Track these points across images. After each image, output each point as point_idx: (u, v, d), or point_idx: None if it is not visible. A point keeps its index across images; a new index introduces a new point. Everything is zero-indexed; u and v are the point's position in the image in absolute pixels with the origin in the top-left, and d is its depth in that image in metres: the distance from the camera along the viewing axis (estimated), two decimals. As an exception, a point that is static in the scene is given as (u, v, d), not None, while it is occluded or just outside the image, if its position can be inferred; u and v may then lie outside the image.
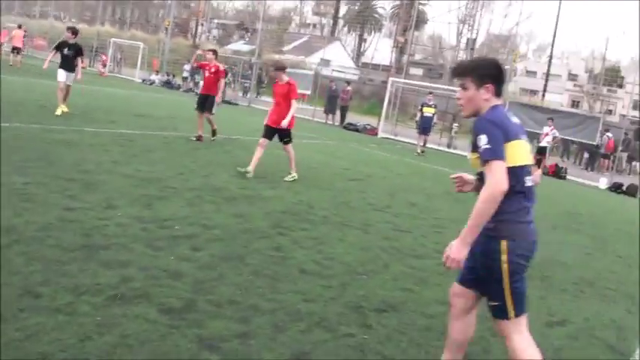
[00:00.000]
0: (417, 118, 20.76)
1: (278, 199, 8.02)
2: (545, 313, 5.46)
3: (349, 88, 27.30)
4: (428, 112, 20.18)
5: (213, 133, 12.73)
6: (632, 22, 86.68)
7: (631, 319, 5.75)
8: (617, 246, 9.54)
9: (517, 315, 3.14)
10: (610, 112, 52.43)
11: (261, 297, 4.45)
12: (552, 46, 51.32)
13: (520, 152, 3.05)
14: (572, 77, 66.37)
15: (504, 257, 3.04)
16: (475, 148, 3.05)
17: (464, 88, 3.20)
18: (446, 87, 28.71)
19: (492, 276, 3.09)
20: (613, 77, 58.06)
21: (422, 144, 20.10)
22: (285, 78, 9.52)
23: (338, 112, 27.17)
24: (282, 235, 6.27)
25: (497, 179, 2.90)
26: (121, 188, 7.02)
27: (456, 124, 24.91)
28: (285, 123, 9.28)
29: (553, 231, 9.68)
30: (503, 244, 3.04)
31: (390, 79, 25.95)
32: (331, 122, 26.99)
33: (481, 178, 3.16)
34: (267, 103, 29.80)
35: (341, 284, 5.05)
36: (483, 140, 2.96)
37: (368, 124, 24.93)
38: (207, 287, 4.45)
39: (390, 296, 5.00)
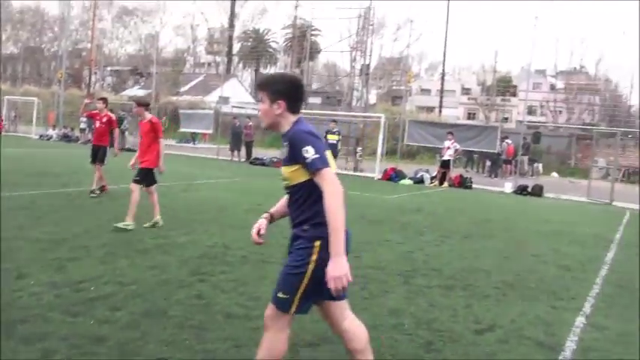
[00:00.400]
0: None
1: (193, 245, 7.80)
2: (473, 321, 5.54)
3: (251, 123, 27.30)
4: (332, 139, 20.62)
5: (101, 189, 11.99)
6: (522, 34, 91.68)
7: (555, 314, 5.93)
8: (531, 246, 9.89)
9: (295, 312, 3.25)
10: (506, 119, 55.02)
11: (190, 349, 4.26)
12: (444, 63, 53.73)
13: (331, 160, 3.20)
14: (466, 91, 69.37)
15: (314, 257, 3.16)
16: (293, 160, 3.13)
17: (261, 101, 3.28)
18: (345, 113, 29.31)
19: (295, 271, 3.19)
20: (505, 87, 61.16)
21: None
22: (148, 115, 9.04)
23: (243, 149, 27.06)
24: (202, 282, 6.07)
25: (335, 184, 3.06)
26: (30, 254, 6.62)
27: (360, 148, 25.33)
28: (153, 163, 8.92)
29: (467, 240, 9.93)
30: (317, 244, 3.16)
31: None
32: (237, 159, 26.83)
33: (291, 193, 3.28)
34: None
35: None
36: (311, 151, 3.05)
37: (275, 157, 24.95)
38: (132, 348, 4.21)
39: (320, 328, 4.90)
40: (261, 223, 3.55)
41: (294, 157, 3.11)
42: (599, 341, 5.23)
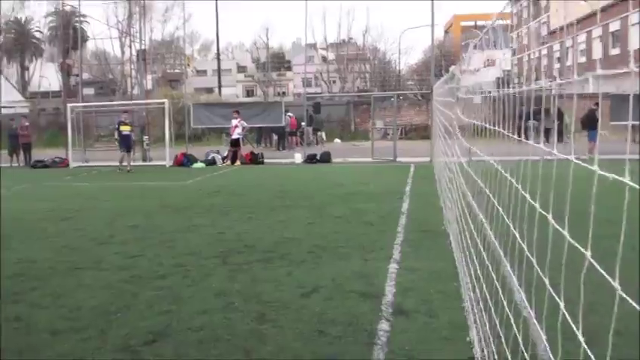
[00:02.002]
0: (117, 137, 20.29)
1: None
2: (297, 286, 5.80)
3: (27, 123, 25.02)
4: (125, 129, 19.80)
5: None
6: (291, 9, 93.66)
7: (370, 266, 6.41)
8: (332, 209, 10.47)
9: None
10: (284, 94, 56.75)
11: (15, 374, 3.96)
12: (217, 43, 53.57)
13: None
14: (242, 69, 70.10)
15: None
16: None
17: None
18: (126, 102, 28.20)
19: None
20: (280, 62, 62.87)
21: (127, 162, 19.72)
22: None
23: (22, 152, 24.78)
24: (17, 303, 5.56)
25: None
26: None
27: (146, 137, 24.60)
28: None
29: (272, 213, 10.23)
30: None
31: (69, 105, 24.50)
32: (17, 164, 24.54)
33: None
34: None
35: (100, 331, 4.70)
36: None
37: (57, 157, 23.28)
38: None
39: (153, 324, 4.83)
40: None
41: None
42: (414, 281, 5.78)
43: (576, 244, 1.63)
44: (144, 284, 6.02)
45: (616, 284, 1.37)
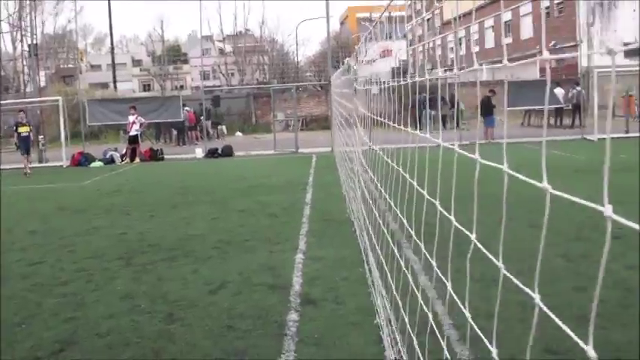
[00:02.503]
0: (16, 140, 19.04)
1: None
2: (204, 283, 5.81)
3: None
4: (24, 131, 18.54)
5: None
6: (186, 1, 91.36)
7: (276, 258, 6.50)
8: (234, 203, 10.47)
9: None
10: (182, 87, 55.66)
11: None
12: (111, 36, 51.77)
13: None
14: (137, 63, 68.11)
15: None
16: None
17: None
18: (15, 101, 26.78)
19: None
20: (176, 55, 61.52)
21: (25, 164, 18.51)
22: None
23: None
24: None
25: None
26: None
27: (42, 136, 23.49)
28: None
29: (174, 210, 10.11)
30: None
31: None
32: None
33: None
34: None
35: (8, 344, 4.52)
36: None
37: None
38: None
39: (59, 332, 4.71)
40: None
41: None
42: (320, 270, 5.93)
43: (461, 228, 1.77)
44: (47, 292, 5.84)
45: (500, 263, 1.51)
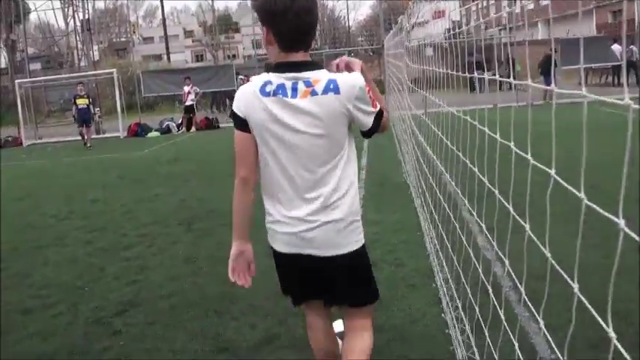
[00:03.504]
0: (74, 113, 19.39)
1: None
2: (262, 247, 5.84)
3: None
4: (82, 103, 18.92)
5: None
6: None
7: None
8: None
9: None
10: (234, 56, 55.91)
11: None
12: (162, 8, 52.26)
13: None
14: (189, 34, 68.72)
15: None
16: None
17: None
18: (70, 75, 27.46)
19: None
20: (227, 25, 61.73)
21: (87, 137, 18.86)
22: None
23: None
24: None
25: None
26: None
27: (97, 109, 24.02)
28: None
29: (231, 177, 10.17)
30: None
31: (17, 81, 23.77)
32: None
33: None
34: None
35: (71, 305, 4.69)
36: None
37: (9, 137, 22.59)
38: None
39: (122, 294, 4.84)
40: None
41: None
42: (378, 233, 5.90)
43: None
44: (110, 257, 6.01)
45: (621, 222, 1.45)
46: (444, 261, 4.09)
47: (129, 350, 3.80)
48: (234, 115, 2.44)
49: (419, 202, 6.35)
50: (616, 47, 23.41)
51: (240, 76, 27.41)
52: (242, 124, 2.43)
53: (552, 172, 1.54)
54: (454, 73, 3.36)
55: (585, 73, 26.43)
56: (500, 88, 22.36)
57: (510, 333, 2.14)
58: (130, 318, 4.34)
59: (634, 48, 23.17)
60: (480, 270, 2.62)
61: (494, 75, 2.19)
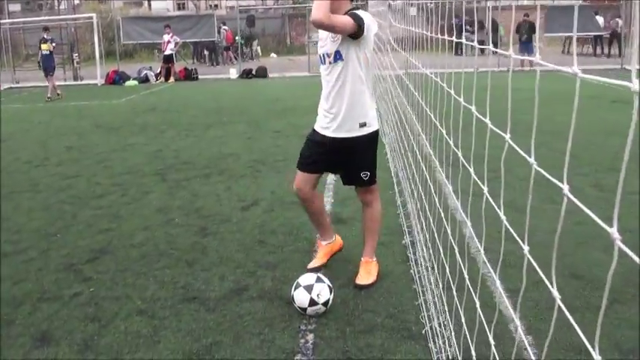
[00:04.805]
0: (39, 58, 18.56)
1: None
2: (237, 200, 5.89)
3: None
4: (44, 49, 18.21)
5: None
6: None
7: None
8: (269, 123, 10.48)
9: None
10: (216, 6, 54.79)
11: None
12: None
13: None
14: (171, -20, 67.07)
15: None
16: None
17: None
18: (49, 18, 26.77)
19: None
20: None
21: (50, 86, 18.28)
22: None
23: None
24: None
25: None
26: None
27: (76, 54, 23.53)
28: None
29: (210, 129, 10.17)
30: None
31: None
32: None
33: None
34: None
35: (41, 252, 4.69)
36: None
37: None
38: None
39: (94, 242, 4.85)
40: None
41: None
42: (350, 191, 5.90)
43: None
44: (82, 204, 5.99)
45: (565, 188, 1.47)
46: (417, 221, 4.15)
47: (99, 297, 3.82)
48: None
49: (399, 163, 6.38)
50: (599, 18, 23.47)
51: (225, 27, 26.98)
52: None
53: (507, 136, 1.57)
54: (432, 35, 3.35)
55: (568, 41, 26.47)
56: (482, 52, 22.36)
57: (473, 293, 2.18)
58: (100, 265, 4.35)
59: (619, 20, 23.20)
60: (449, 231, 2.66)
61: (477, 39, 2.19)
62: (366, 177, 3.90)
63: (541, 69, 1.36)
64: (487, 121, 1.81)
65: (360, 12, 3.54)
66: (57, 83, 17.94)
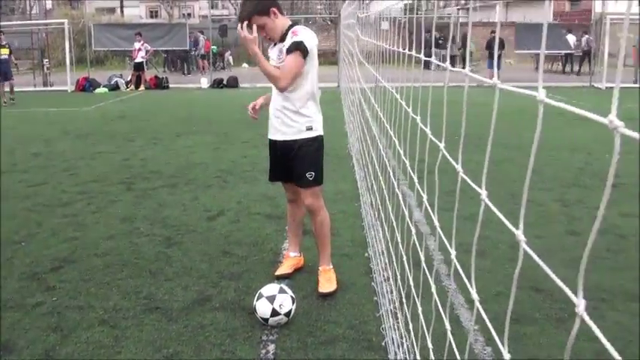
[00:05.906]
0: None
1: None
2: (203, 210, 5.90)
3: None
4: (4, 53, 17.61)
5: None
6: None
7: (274, 189, 6.44)
8: (238, 133, 10.49)
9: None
10: (189, 15, 54.71)
11: None
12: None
13: None
14: (144, -12, 66.70)
15: None
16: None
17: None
18: (20, 22, 26.48)
19: None
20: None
21: (2, 93, 17.48)
22: None
23: None
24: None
25: None
26: None
27: (46, 60, 23.23)
28: None
29: (178, 139, 10.15)
30: None
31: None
32: None
33: None
34: None
35: (6, 259, 4.64)
36: None
37: None
38: None
39: (58, 251, 4.82)
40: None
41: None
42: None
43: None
44: (48, 212, 5.94)
45: (483, 193, 1.54)
46: (380, 233, 4.22)
47: (61, 306, 3.81)
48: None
49: (362, 175, 6.45)
50: (570, 37, 24.02)
51: (203, 36, 26.74)
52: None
53: (441, 145, 1.65)
54: (400, 50, 3.43)
55: (537, 58, 27.02)
56: (453, 66, 22.67)
57: (439, 304, 2.24)
58: (64, 274, 4.34)
59: (590, 37, 23.76)
60: (412, 243, 2.72)
61: (447, 53, 2.27)
62: (311, 177, 4.15)
63: (508, 85, 1.42)
64: (427, 130, 1.88)
65: (298, 29, 3.88)
66: (23, 89, 17.56)
